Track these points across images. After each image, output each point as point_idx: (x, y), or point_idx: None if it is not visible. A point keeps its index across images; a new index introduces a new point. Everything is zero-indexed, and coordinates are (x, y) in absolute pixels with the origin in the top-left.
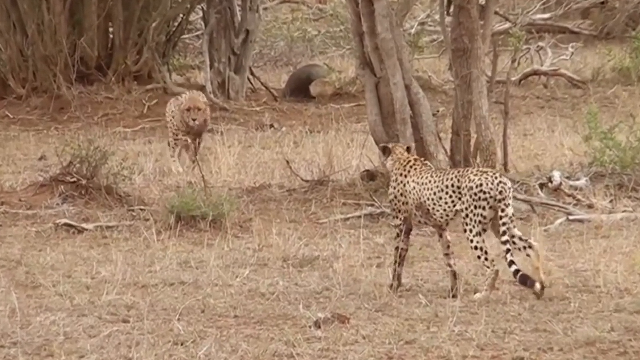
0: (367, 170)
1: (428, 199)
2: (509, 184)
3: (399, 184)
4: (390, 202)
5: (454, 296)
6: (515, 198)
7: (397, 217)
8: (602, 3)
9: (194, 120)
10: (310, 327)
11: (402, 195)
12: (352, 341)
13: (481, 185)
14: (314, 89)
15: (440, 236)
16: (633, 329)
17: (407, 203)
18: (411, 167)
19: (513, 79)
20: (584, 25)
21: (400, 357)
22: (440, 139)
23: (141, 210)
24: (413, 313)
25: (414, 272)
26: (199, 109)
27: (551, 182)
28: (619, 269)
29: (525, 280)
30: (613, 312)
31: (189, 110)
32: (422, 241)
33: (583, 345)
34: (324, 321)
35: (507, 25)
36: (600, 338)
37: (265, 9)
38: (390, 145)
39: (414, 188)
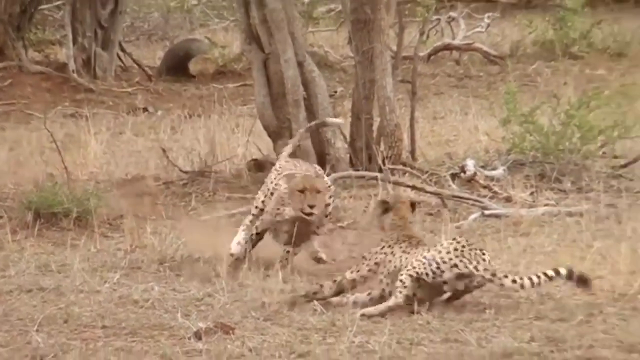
0: (255, 159)
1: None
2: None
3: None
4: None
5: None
6: (424, 190)
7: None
8: None
9: (311, 207)
10: (189, 338)
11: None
12: (237, 354)
13: None
14: (193, 67)
15: None
16: (555, 339)
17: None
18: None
19: (421, 54)
20: None
21: None
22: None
23: None
24: (307, 322)
25: (307, 277)
26: (318, 192)
27: (464, 171)
28: (540, 270)
29: None
30: (533, 320)
31: (302, 191)
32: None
33: (499, 357)
34: (205, 331)
35: None
36: (518, 349)
37: None
38: (391, 200)
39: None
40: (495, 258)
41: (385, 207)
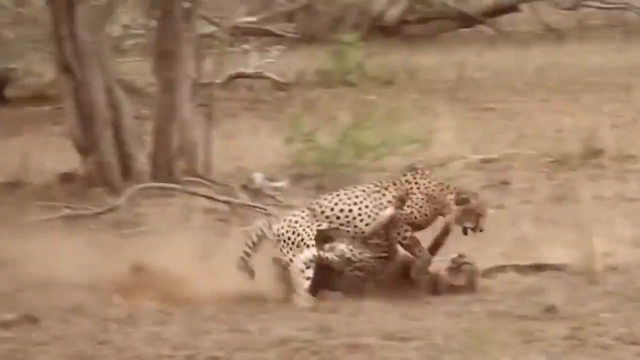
0: (64, 173)
1: None
2: None
3: None
4: None
5: None
6: (216, 199)
7: None
8: (306, 6)
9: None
10: None
11: None
12: (42, 342)
13: None
14: (8, 92)
15: None
16: (325, 328)
17: None
18: None
19: (217, 81)
20: (288, 28)
21: (92, 357)
22: (142, 141)
23: None
24: (108, 313)
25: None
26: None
27: (252, 183)
28: None
29: None
30: (307, 312)
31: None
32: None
33: (277, 344)
34: (12, 322)
35: (212, 28)
36: (294, 337)
37: None
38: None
39: None
40: None
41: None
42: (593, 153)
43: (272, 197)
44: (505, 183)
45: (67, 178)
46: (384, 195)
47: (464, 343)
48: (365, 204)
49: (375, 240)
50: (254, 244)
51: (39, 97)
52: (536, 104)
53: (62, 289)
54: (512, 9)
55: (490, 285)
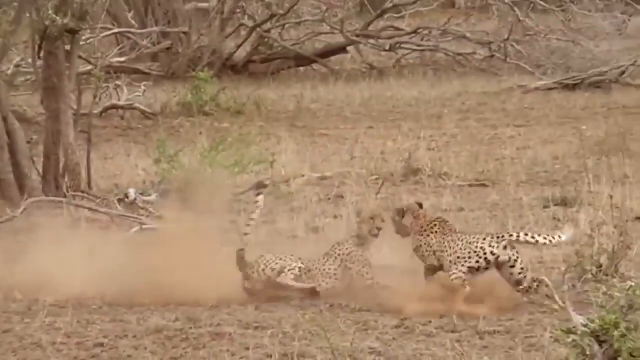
0: None
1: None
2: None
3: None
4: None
5: None
6: (97, 210)
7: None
8: (168, 48)
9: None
10: None
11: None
12: None
13: None
14: None
15: None
16: (193, 318)
17: None
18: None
19: (95, 111)
20: (153, 66)
21: None
22: (33, 162)
23: None
24: (9, 307)
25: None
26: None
27: (127, 197)
28: None
29: None
30: (178, 305)
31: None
32: None
33: (152, 332)
34: None
35: (89, 66)
36: (166, 326)
37: None
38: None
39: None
40: None
41: (402, 213)
42: (412, 171)
43: (145, 208)
44: (339, 197)
45: None
46: None
47: (310, 331)
48: None
49: None
50: None
51: None
52: (363, 130)
53: None
54: (341, 50)
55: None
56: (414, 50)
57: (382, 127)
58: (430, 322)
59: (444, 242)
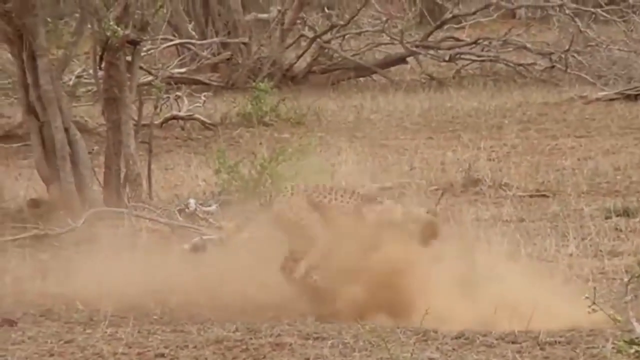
0: (32, 199)
1: None
2: None
3: None
4: None
5: None
6: (158, 221)
7: None
8: (228, 59)
9: None
10: None
11: None
12: (18, 341)
13: None
14: None
15: None
16: (253, 329)
17: None
18: None
19: (156, 122)
20: (213, 77)
21: (60, 354)
22: (95, 172)
23: None
24: (72, 317)
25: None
26: None
27: (187, 208)
28: None
29: None
30: (238, 315)
31: None
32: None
33: (213, 343)
34: None
35: (150, 77)
36: (227, 337)
37: None
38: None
39: None
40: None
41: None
42: (472, 182)
43: (205, 219)
44: None
45: (35, 204)
46: None
47: (370, 341)
48: None
49: None
50: None
51: (9, 136)
52: (423, 140)
53: (34, 296)
54: (401, 61)
55: None
56: (474, 60)
57: (441, 137)
58: (491, 332)
59: None
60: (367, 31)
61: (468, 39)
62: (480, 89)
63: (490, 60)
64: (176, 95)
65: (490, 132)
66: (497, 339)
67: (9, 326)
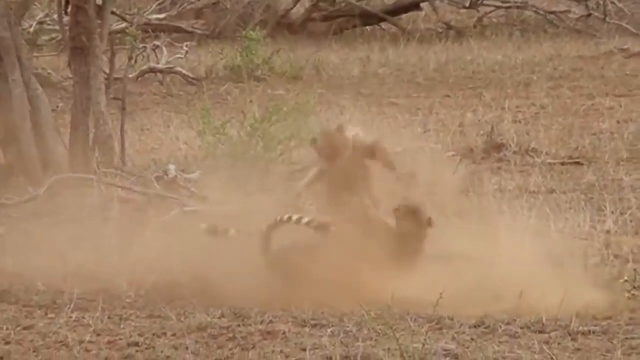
0: None
1: None
2: None
3: None
4: None
5: None
6: (132, 190)
7: None
8: (214, 3)
9: None
10: None
11: None
12: None
13: None
14: None
15: None
16: (241, 315)
17: None
18: None
19: (130, 76)
20: (197, 24)
21: (17, 342)
22: (59, 133)
23: None
24: (31, 300)
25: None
26: None
27: (166, 174)
28: None
29: None
30: (225, 298)
31: None
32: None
33: (195, 329)
34: None
35: (124, 24)
36: (211, 323)
37: None
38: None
39: None
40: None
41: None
42: (495, 147)
43: (186, 188)
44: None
45: None
46: None
47: (376, 330)
48: None
49: None
50: None
51: None
52: (438, 99)
53: None
54: (414, 7)
55: None
56: (499, 7)
57: (460, 95)
58: (515, 320)
59: None
60: None
61: None
62: (506, 40)
63: (517, 7)
64: (154, 45)
65: (517, 89)
66: (521, 328)
67: None
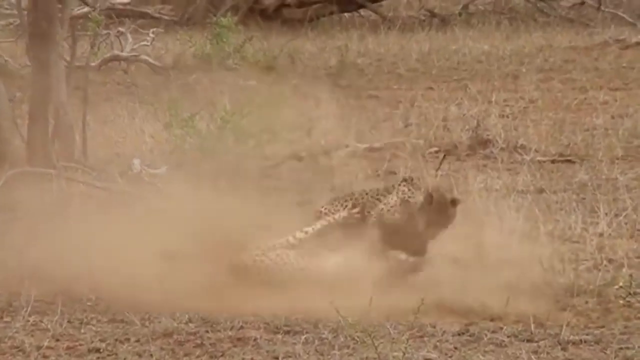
0: None
1: None
2: None
3: None
4: None
5: None
6: (94, 185)
7: None
8: None
9: None
10: None
11: None
12: None
13: None
14: None
15: None
16: (210, 321)
17: None
18: None
19: (92, 64)
20: (164, 10)
21: None
22: (16, 125)
23: None
24: None
25: None
26: None
27: (131, 169)
28: None
29: None
30: (192, 302)
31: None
32: None
33: (161, 335)
34: None
35: (87, 9)
36: (177, 329)
37: None
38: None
39: None
40: None
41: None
42: (481, 143)
43: (152, 184)
44: (391, 173)
45: None
46: None
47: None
48: None
49: None
50: None
51: None
52: (421, 91)
53: None
54: None
55: None
56: None
57: (444, 88)
58: (501, 328)
59: None
60: None
61: None
62: (493, 29)
63: None
64: (118, 32)
65: (504, 82)
66: (508, 336)
67: None
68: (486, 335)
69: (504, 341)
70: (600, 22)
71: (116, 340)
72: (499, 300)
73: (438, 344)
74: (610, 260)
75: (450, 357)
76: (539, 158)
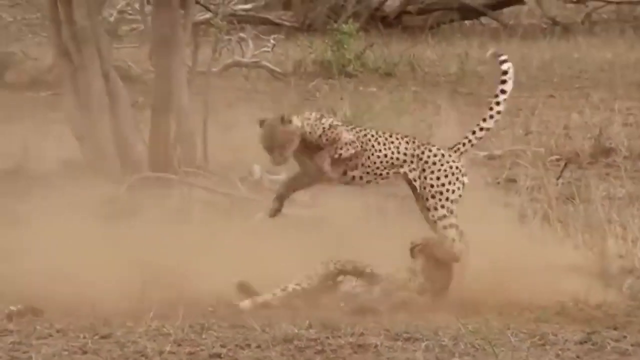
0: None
1: None
2: None
3: None
4: None
5: None
6: (216, 191)
7: None
8: None
9: None
10: (1, 319)
11: None
12: (45, 334)
13: None
14: (8, 76)
15: None
16: (330, 326)
17: None
18: None
19: (214, 69)
20: (285, 16)
21: (95, 351)
22: (139, 129)
23: None
24: (110, 308)
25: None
26: None
27: (251, 175)
28: None
29: None
30: (312, 309)
31: None
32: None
33: (281, 341)
34: (16, 314)
35: (209, 15)
36: (297, 335)
37: None
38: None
39: None
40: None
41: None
42: (604, 151)
43: (272, 190)
44: (511, 181)
45: (66, 165)
46: None
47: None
48: None
49: None
50: None
51: (37, 83)
52: (542, 99)
53: (65, 281)
54: (516, 1)
55: None
56: (609, 2)
57: (565, 96)
58: (625, 337)
59: None
60: None
61: None
62: (616, 37)
63: (630, 3)
64: (239, 37)
65: (628, 90)
66: (632, 345)
67: (34, 316)
68: (609, 344)
69: (627, 350)
70: None
71: (237, 345)
72: (622, 309)
73: (560, 352)
74: None
75: None
76: None
